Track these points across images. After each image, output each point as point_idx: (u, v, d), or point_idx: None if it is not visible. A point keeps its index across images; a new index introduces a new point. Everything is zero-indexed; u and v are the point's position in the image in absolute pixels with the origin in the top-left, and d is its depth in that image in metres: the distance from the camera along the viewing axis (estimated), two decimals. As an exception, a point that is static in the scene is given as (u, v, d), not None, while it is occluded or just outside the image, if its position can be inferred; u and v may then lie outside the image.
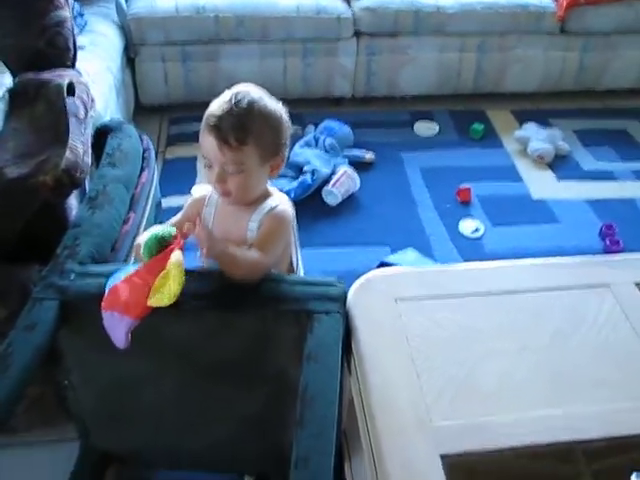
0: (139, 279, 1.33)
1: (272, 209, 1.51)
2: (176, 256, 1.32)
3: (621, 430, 1.27)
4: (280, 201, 1.54)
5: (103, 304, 1.34)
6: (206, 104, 1.47)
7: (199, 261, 1.54)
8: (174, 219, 1.60)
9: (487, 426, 1.27)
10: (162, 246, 1.34)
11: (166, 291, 1.29)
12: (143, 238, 1.37)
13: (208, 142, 1.42)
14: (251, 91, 1.46)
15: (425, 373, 1.35)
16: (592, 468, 1.26)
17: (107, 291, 1.36)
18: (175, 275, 1.29)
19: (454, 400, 1.31)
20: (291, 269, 1.64)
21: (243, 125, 1.40)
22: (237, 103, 1.41)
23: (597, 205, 2.88)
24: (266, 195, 1.54)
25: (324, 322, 1.37)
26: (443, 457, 1.21)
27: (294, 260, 1.64)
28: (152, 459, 1.75)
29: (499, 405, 1.31)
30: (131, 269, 1.37)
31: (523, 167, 3.12)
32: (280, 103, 1.50)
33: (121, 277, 1.37)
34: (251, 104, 1.42)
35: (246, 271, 1.42)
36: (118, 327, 1.32)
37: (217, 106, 1.43)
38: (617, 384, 1.35)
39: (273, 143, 1.46)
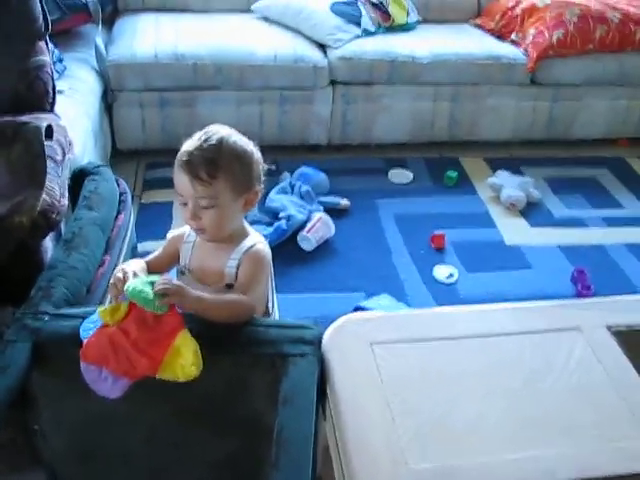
0: (133, 339, 1.33)
1: (250, 248, 1.53)
2: (187, 340, 1.34)
3: (593, 473, 1.28)
4: (257, 240, 1.57)
5: (86, 355, 1.33)
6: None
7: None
8: (154, 255, 1.63)
9: (461, 469, 1.27)
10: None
11: (179, 371, 1.32)
12: (132, 283, 1.35)
13: (181, 179, 1.46)
14: (220, 130, 1.51)
15: (400, 416, 1.36)
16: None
17: (88, 339, 1.35)
18: (193, 362, 1.32)
19: (429, 443, 1.31)
20: (266, 312, 1.64)
21: (212, 159, 1.44)
22: (206, 140, 1.46)
23: (569, 251, 2.91)
24: (243, 234, 1.56)
25: (299, 365, 1.37)
26: (418, 500, 1.21)
27: (270, 302, 1.65)
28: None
29: (473, 447, 1.31)
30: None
31: (496, 214, 3.16)
32: (251, 142, 1.54)
33: (99, 324, 1.36)
34: (220, 141, 1.47)
35: (228, 314, 1.44)
36: (110, 386, 1.33)
37: (188, 145, 1.48)
38: (589, 427, 1.36)
39: (244, 178, 1.50)
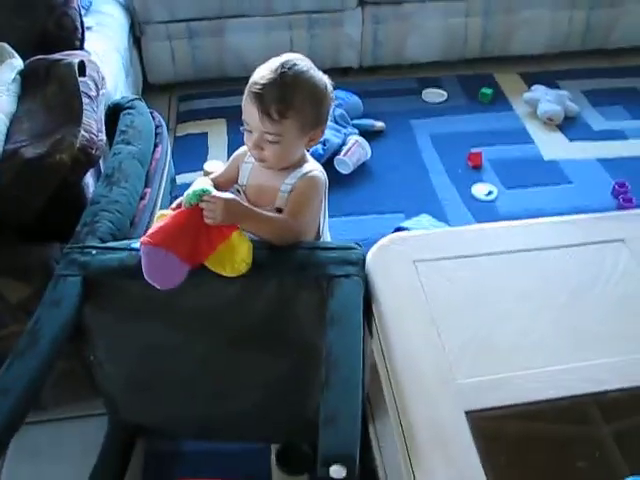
0: (198, 227, 1.35)
1: (306, 174, 1.51)
2: (242, 238, 1.36)
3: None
4: (314, 167, 1.55)
5: (154, 238, 1.33)
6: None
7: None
8: (218, 173, 1.65)
9: (508, 382, 1.29)
10: None
11: (228, 265, 1.35)
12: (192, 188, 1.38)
13: (249, 109, 1.43)
14: (298, 61, 1.44)
15: (445, 332, 1.37)
16: (612, 425, 1.27)
17: (152, 226, 1.37)
18: (244, 258, 1.35)
19: (475, 358, 1.33)
20: (317, 237, 1.63)
21: (286, 98, 1.39)
22: (283, 74, 1.41)
23: (609, 164, 2.86)
24: (302, 161, 1.54)
25: (345, 286, 1.38)
26: (468, 413, 1.23)
27: (321, 229, 1.64)
28: (180, 430, 1.78)
29: (519, 361, 1.32)
30: None
31: (533, 129, 3.10)
32: (325, 76, 1.49)
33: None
34: (297, 76, 1.41)
35: (274, 233, 1.43)
36: (177, 269, 1.34)
37: (263, 74, 1.42)
38: (634, 337, 1.37)
39: (314, 116, 1.46)
